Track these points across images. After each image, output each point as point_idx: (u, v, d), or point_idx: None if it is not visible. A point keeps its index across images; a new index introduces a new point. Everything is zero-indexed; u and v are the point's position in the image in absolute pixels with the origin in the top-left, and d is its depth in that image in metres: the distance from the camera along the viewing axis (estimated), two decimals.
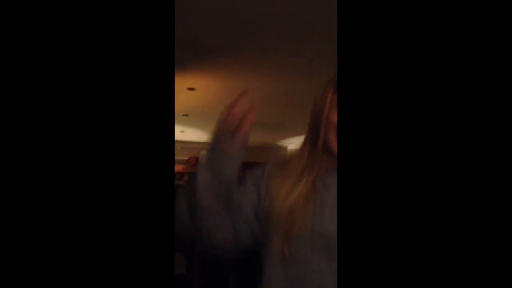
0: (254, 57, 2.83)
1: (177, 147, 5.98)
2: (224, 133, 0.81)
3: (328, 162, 0.86)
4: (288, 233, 0.83)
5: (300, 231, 0.82)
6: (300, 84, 3.33)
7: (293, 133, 5.54)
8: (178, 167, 5.85)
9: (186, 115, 4.51)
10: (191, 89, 3.55)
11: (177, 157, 5.96)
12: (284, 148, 6.38)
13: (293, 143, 6.25)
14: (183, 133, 5.52)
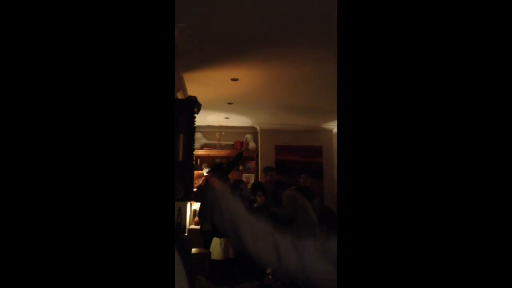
0: (292, 47, 2.84)
1: (221, 133, 6.12)
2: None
3: None
4: None
5: None
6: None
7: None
8: (223, 152, 6.01)
9: (230, 103, 4.60)
10: (234, 79, 3.63)
11: (222, 142, 6.11)
12: (330, 131, 6.29)
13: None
14: (228, 119, 5.63)
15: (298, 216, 3.59)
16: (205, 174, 5.88)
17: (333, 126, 6.20)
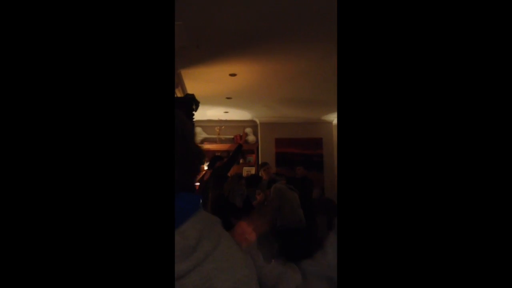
0: (291, 41, 2.84)
1: (221, 127, 6.14)
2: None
3: None
4: None
5: None
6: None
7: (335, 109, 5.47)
8: (224, 146, 6.04)
9: (229, 98, 4.61)
10: (232, 74, 3.64)
11: (222, 136, 6.13)
12: (330, 123, 6.30)
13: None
14: (227, 113, 5.64)
15: (284, 209, 3.61)
16: (205, 168, 5.91)
17: (333, 118, 6.21)
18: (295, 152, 6.15)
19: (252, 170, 6.07)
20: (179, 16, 2.33)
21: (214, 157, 4.11)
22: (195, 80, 3.80)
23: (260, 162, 5.72)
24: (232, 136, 6.21)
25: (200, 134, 6.08)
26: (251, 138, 6.21)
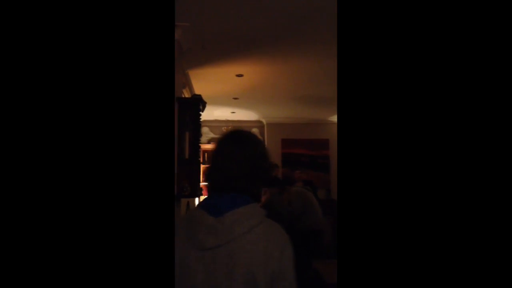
0: (297, 42, 2.86)
1: (228, 127, 6.16)
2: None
3: None
4: None
5: None
6: None
7: None
8: None
9: (236, 98, 4.63)
10: (239, 75, 3.65)
11: None
12: (335, 123, 6.28)
13: None
14: (234, 113, 5.66)
15: (308, 212, 3.61)
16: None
17: None
18: (301, 153, 6.15)
19: None
20: (184, 18, 2.36)
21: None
22: (203, 81, 3.83)
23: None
24: None
25: (207, 134, 6.11)
26: None
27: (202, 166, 5.85)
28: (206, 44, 2.86)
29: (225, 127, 6.18)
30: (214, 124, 6.18)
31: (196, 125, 2.66)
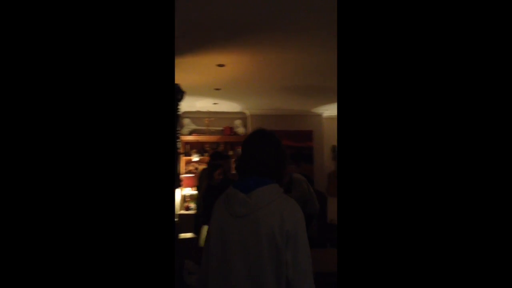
0: (280, 32, 2.80)
1: (210, 118, 6.08)
2: None
3: None
4: None
5: None
6: (335, 55, 3.27)
7: (327, 101, 5.45)
8: (213, 137, 5.99)
9: (218, 89, 4.55)
10: (220, 65, 3.58)
11: (211, 128, 6.08)
12: (319, 115, 6.29)
13: (328, 110, 6.15)
14: (216, 104, 5.58)
15: (309, 199, 3.63)
16: (193, 160, 5.86)
17: (322, 110, 6.19)
18: (286, 144, 6.12)
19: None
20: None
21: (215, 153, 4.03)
22: (183, 71, 3.73)
23: None
24: (221, 128, 6.16)
25: (188, 125, 6.01)
26: (240, 130, 6.17)
27: (185, 158, 5.84)
28: (187, 33, 2.77)
29: (207, 119, 6.09)
30: (196, 115, 6.08)
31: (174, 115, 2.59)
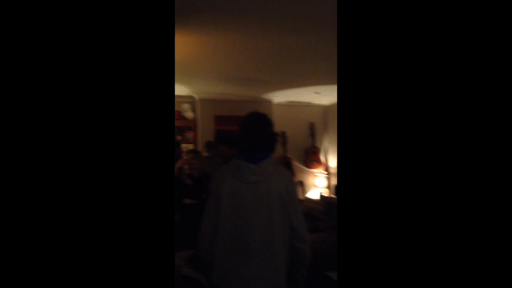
0: (241, 17, 2.67)
1: None
2: None
3: None
4: None
5: None
6: (285, 42, 3.21)
7: (277, 87, 5.44)
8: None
9: None
10: None
11: None
12: (269, 101, 6.28)
13: (278, 97, 6.15)
14: None
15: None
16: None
17: (272, 97, 6.18)
18: (235, 129, 6.06)
19: (191, 147, 5.88)
20: None
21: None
22: None
23: (202, 139, 5.57)
24: None
25: None
26: (189, 114, 5.98)
27: None
28: None
29: None
30: None
31: None
